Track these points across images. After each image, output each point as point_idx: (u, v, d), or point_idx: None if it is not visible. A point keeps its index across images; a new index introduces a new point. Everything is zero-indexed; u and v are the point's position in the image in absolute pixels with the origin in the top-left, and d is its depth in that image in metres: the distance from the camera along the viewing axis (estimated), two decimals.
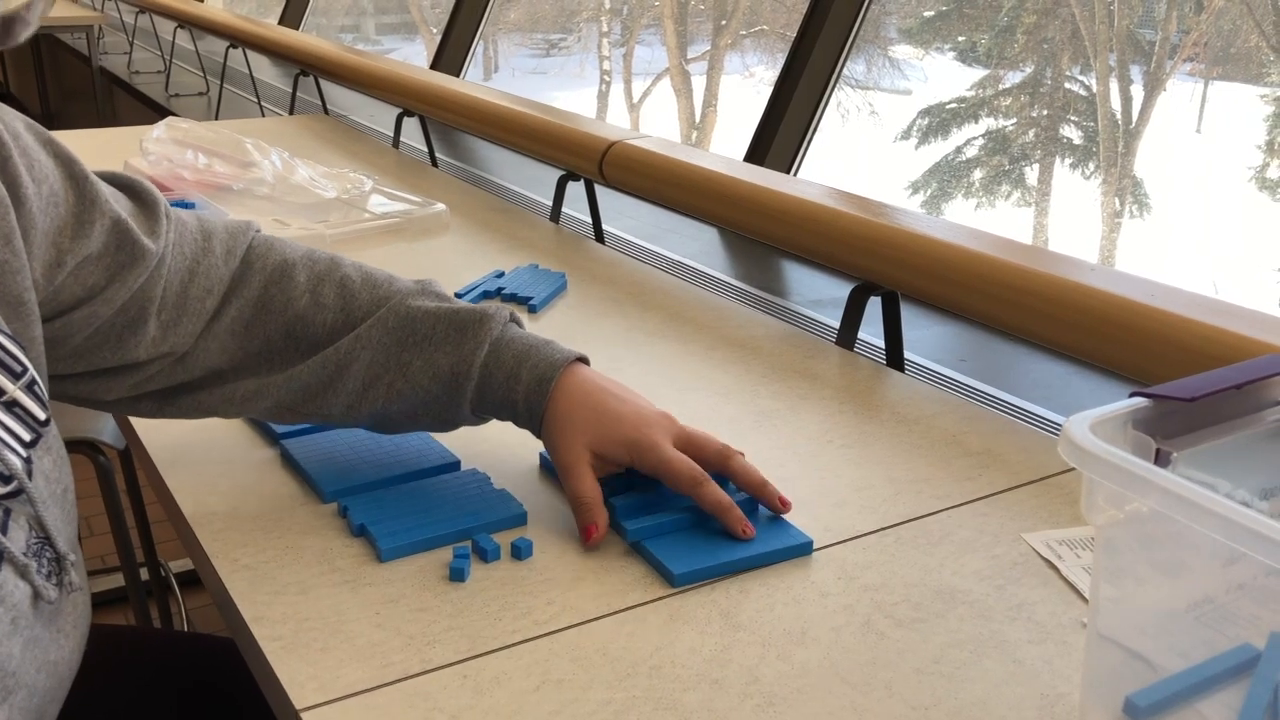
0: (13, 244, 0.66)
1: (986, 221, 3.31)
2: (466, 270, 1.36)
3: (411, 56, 5.79)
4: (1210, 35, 3.02)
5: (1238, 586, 0.50)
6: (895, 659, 0.67)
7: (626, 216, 2.02)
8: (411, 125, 2.22)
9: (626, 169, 1.58)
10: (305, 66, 2.69)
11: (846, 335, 1.20)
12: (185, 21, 3.95)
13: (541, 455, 0.89)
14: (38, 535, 0.62)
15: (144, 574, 1.80)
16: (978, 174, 3.60)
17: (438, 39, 3.26)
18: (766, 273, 1.81)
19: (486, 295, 1.26)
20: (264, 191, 1.63)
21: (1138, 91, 3.13)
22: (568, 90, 6.17)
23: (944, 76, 3.76)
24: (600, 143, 1.63)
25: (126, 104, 4.43)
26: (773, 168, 1.83)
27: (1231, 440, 0.57)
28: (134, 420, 0.92)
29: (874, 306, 1.21)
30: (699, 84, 5.29)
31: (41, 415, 0.64)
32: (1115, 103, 3.15)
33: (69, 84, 5.81)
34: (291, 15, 4.32)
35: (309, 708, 0.61)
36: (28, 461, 0.62)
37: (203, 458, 0.88)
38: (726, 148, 3.13)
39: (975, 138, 3.60)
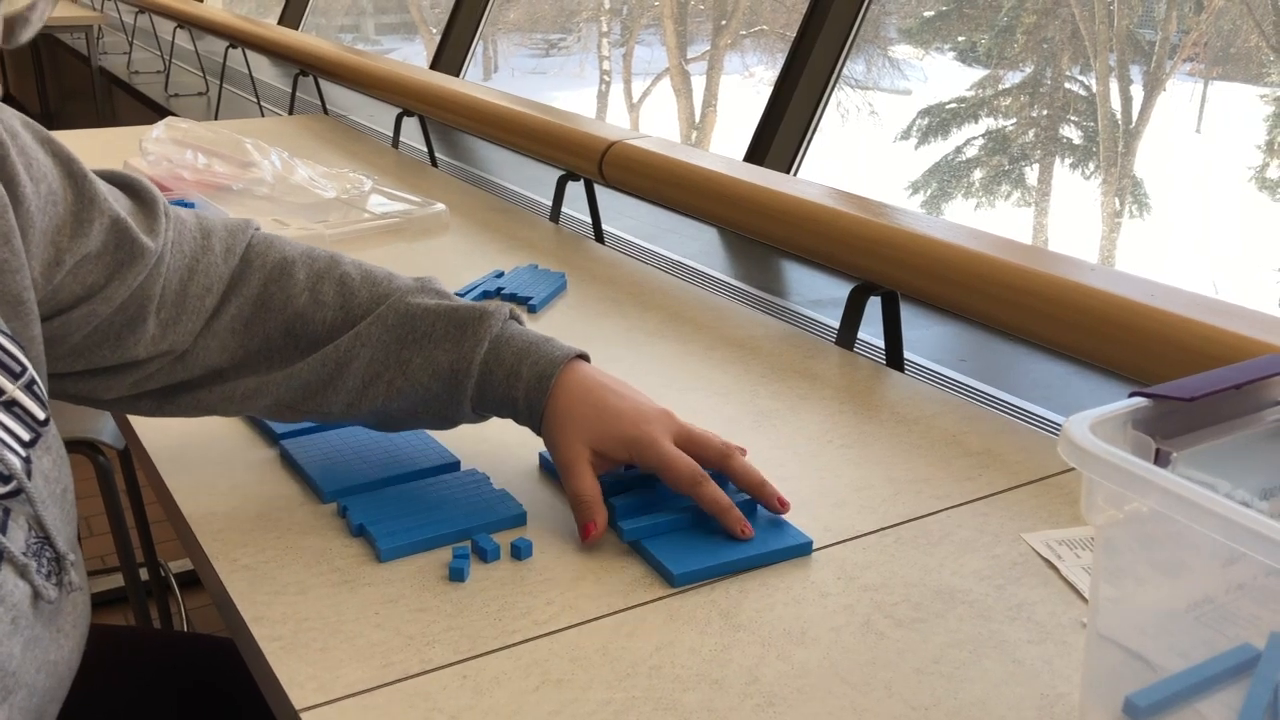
0: (11, 243, 0.65)
1: (986, 221, 3.31)
2: (466, 270, 1.36)
3: (411, 56, 5.79)
4: (1210, 35, 3.02)
5: (1238, 586, 0.50)
6: (895, 659, 0.67)
7: (626, 216, 2.02)
8: (411, 125, 2.22)
9: (626, 169, 1.58)
10: (305, 66, 2.69)
11: (846, 335, 1.20)
12: (185, 21, 3.95)
13: (541, 455, 0.89)
14: (37, 535, 0.62)
15: (144, 574, 1.80)
16: (977, 174, 3.60)
17: (437, 39, 3.26)
18: (766, 273, 1.81)
19: (486, 295, 1.26)
20: (263, 191, 1.63)
21: (1137, 91, 3.13)
22: (567, 90, 6.17)
23: (944, 76, 3.76)
24: (600, 143, 1.63)
25: (126, 104, 4.43)
26: (772, 168, 1.83)
27: (1231, 440, 0.57)
28: (133, 420, 0.92)
29: (874, 306, 1.21)
30: (699, 84, 5.29)
31: (41, 415, 0.64)
32: (1115, 103, 3.15)
33: (68, 84, 5.81)
34: (291, 15, 4.32)
35: (308, 708, 0.61)
36: (27, 461, 0.62)
37: (202, 458, 0.88)
38: (726, 148, 3.13)
39: (975, 138, 3.60)
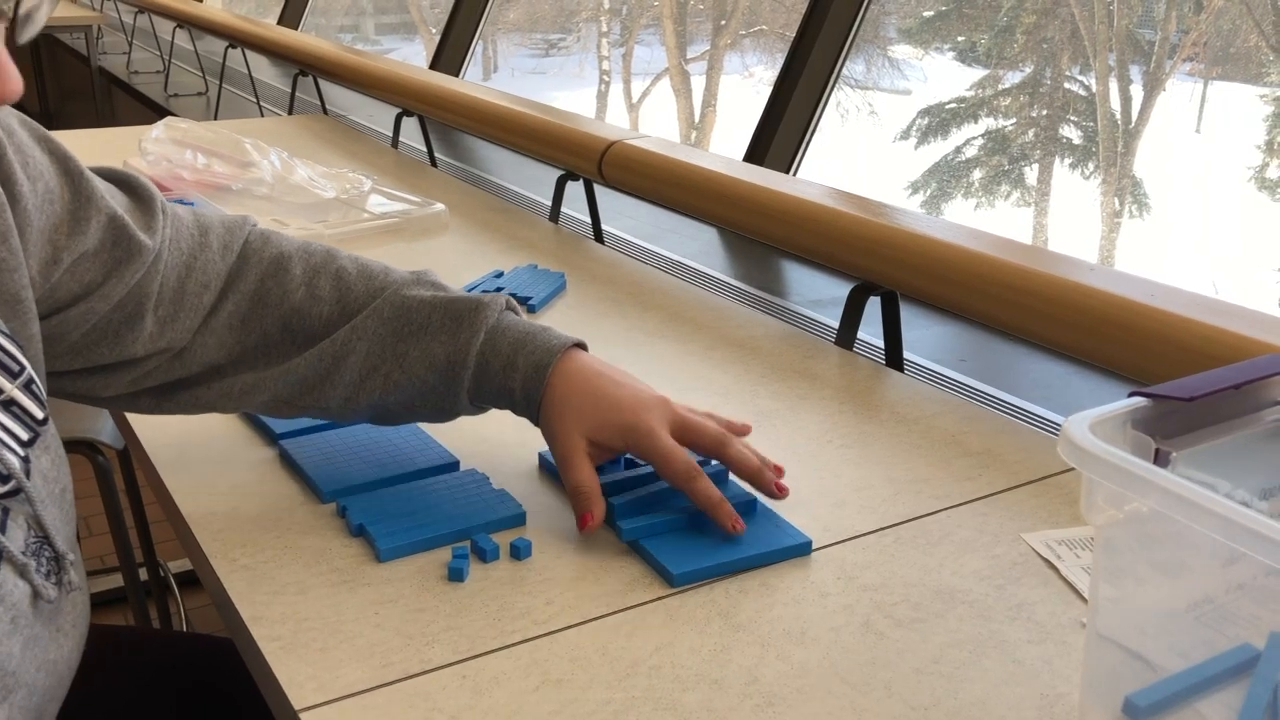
0: (9, 242, 0.65)
1: (986, 221, 3.31)
2: (466, 270, 1.36)
3: (411, 56, 5.79)
4: (1210, 35, 3.02)
5: (1237, 586, 0.50)
6: (895, 659, 0.67)
7: (626, 216, 2.02)
8: (410, 125, 2.22)
9: (626, 169, 1.58)
10: (304, 66, 2.69)
11: (846, 335, 1.20)
12: (184, 21, 3.94)
13: (541, 455, 0.89)
14: (36, 534, 0.62)
15: (143, 574, 1.80)
16: (977, 174, 3.60)
17: (437, 39, 3.26)
18: (766, 273, 1.80)
19: None
20: (263, 191, 1.63)
21: (1137, 91, 3.13)
22: (567, 90, 6.17)
23: (943, 76, 3.76)
24: (599, 143, 1.63)
25: (125, 104, 4.43)
26: (772, 168, 1.83)
27: (1231, 440, 0.57)
28: (132, 420, 0.92)
29: (873, 306, 1.21)
30: (698, 84, 5.29)
31: (39, 414, 0.64)
32: (1115, 102, 3.15)
33: (68, 84, 5.81)
34: (290, 15, 4.32)
35: (308, 708, 0.61)
36: (26, 461, 0.62)
37: (201, 458, 0.88)
38: (726, 148, 3.13)
39: (975, 138, 3.60)
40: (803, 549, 0.77)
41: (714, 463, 0.85)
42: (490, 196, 1.76)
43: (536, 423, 0.80)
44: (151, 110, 3.82)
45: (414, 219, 1.56)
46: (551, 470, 0.87)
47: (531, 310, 1.22)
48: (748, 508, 0.80)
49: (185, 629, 2.06)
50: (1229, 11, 2.89)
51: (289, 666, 0.64)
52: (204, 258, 0.79)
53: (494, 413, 0.96)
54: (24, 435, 0.63)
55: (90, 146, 2.01)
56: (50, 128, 0.77)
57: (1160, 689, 0.53)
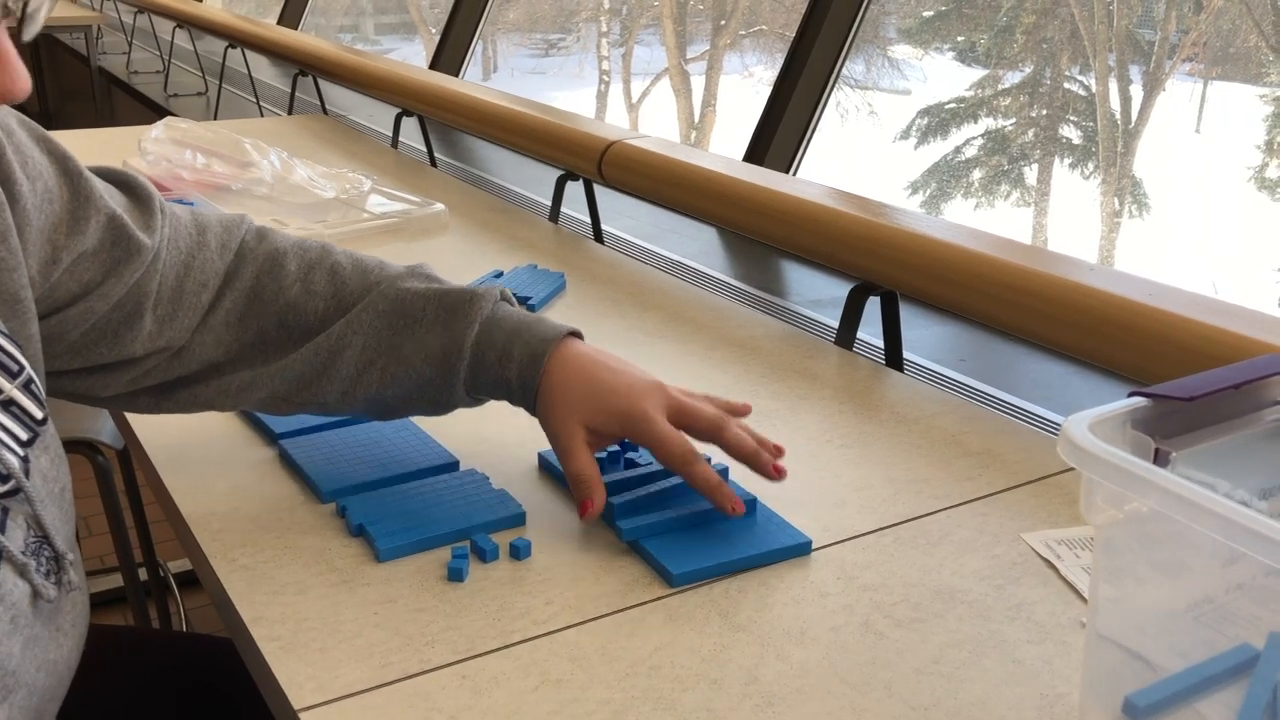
0: (8, 241, 0.65)
1: (986, 221, 3.31)
2: (465, 270, 1.36)
3: (410, 56, 5.80)
4: (1209, 35, 3.02)
5: (1237, 586, 0.50)
6: (894, 659, 0.67)
7: (625, 216, 2.02)
8: (410, 125, 2.22)
9: (625, 169, 1.58)
10: (304, 66, 2.69)
11: (846, 335, 1.20)
12: (184, 21, 3.94)
13: (540, 455, 0.89)
14: (36, 534, 0.62)
15: (143, 574, 1.80)
16: (977, 174, 3.60)
17: (436, 39, 3.26)
18: (766, 273, 1.80)
19: None
20: (263, 191, 1.63)
21: (1137, 91, 3.13)
22: (567, 90, 6.17)
23: (943, 76, 3.76)
24: (599, 142, 1.63)
25: (125, 104, 4.43)
26: (772, 168, 1.83)
27: (1230, 440, 0.57)
28: (132, 420, 0.92)
29: (873, 306, 1.21)
30: (698, 84, 5.29)
31: (39, 414, 0.64)
32: (1114, 102, 3.15)
33: (68, 84, 5.81)
34: (290, 15, 4.32)
35: (307, 708, 0.61)
36: (25, 460, 0.62)
37: (201, 458, 0.88)
38: (725, 148, 3.13)
39: (974, 138, 3.60)
40: (802, 549, 0.77)
41: (713, 462, 0.85)
42: (490, 196, 1.76)
43: (534, 412, 0.80)
44: (151, 110, 3.82)
45: (414, 219, 1.56)
46: (551, 470, 0.87)
47: (531, 310, 1.22)
48: (748, 507, 0.80)
49: (185, 629, 2.06)
50: (1229, 11, 2.89)
51: (288, 666, 0.64)
52: (202, 256, 0.79)
53: (494, 413, 0.96)
54: (23, 435, 0.63)
55: (90, 146, 2.01)
56: (50, 128, 0.77)
57: (1160, 689, 0.53)
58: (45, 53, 6.21)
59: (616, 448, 0.87)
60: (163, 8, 4.10)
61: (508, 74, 6.55)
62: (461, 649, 0.66)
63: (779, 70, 2.04)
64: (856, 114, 3.76)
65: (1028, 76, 3.49)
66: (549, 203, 1.71)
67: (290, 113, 2.79)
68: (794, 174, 2.00)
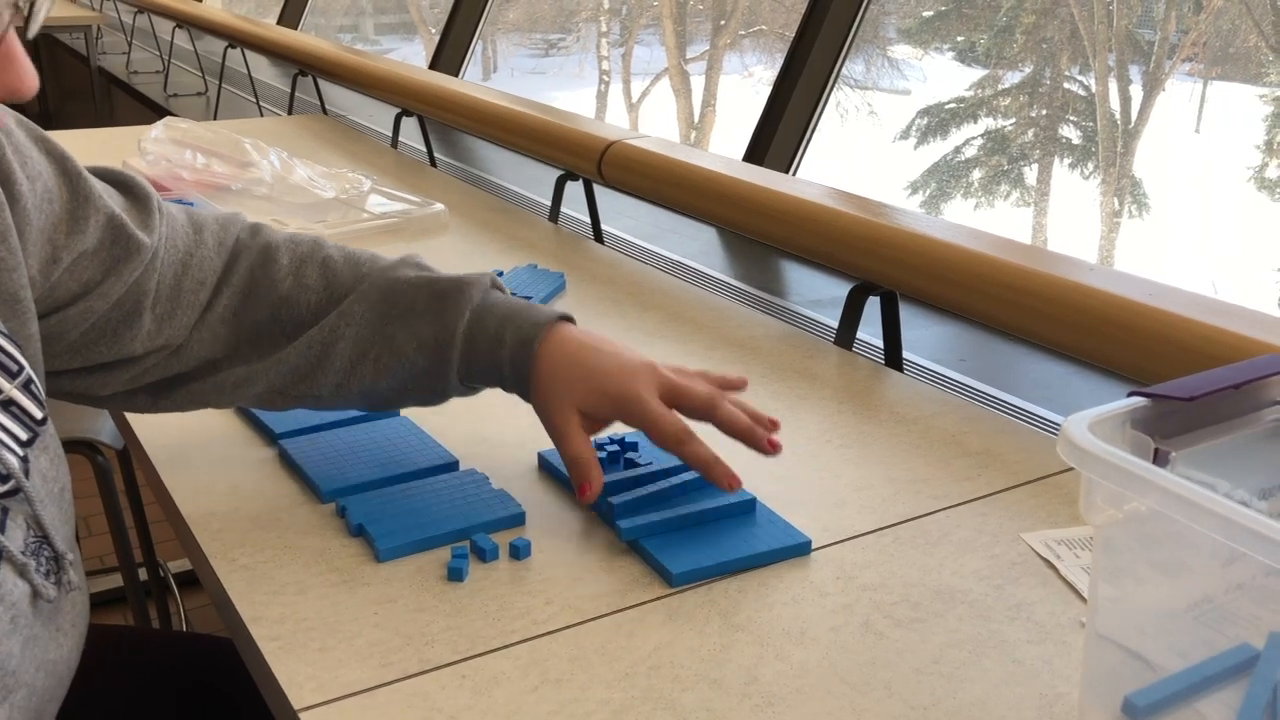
0: (8, 241, 0.66)
1: (985, 221, 3.31)
2: (465, 270, 1.36)
3: (410, 56, 5.80)
4: (1209, 35, 3.02)
5: (1237, 586, 0.50)
6: (894, 659, 0.67)
7: (625, 216, 2.02)
8: (410, 125, 2.22)
9: (625, 169, 1.58)
10: (304, 66, 2.69)
11: (845, 335, 1.20)
12: (184, 21, 3.94)
13: (540, 455, 0.89)
14: (36, 534, 0.62)
15: (142, 574, 1.80)
16: (977, 174, 3.60)
17: (436, 39, 3.26)
18: (765, 273, 1.80)
19: None
20: (262, 191, 1.63)
21: (1137, 91, 3.13)
22: (566, 90, 6.17)
23: (943, 76, 3.76)
24: (599, 142, 1.63)
25: (125, 104, 4.43)
26: (772, 168, 1.83)
27: (1230, 440, 0.57)
28: (132, 420, 0.92)
29: (873, 306, 1.21)
30: (698, 84, 5.29)
31: (38, 414, 0.64)
32: (1114, 102, 3.15)
33: (67, 84, 5.81)
34: (290, 15, 4.32)
35: (307, 708, 0.61)
36: (25, 460, 0.62)
37: (201, 458, 0.88)
38: (725, 148, 3.13)
39: (974, 138, 3.60)
40: (802, 549, 0.77)
41: None
42: (490, 196, 1.76)
43: (527, 398, 0.79)
44: (151, 110, 3.82)
45: (413, 219, 1.56)
46: (551, 470, 0.87)
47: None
48: (747, 507, 0.80)
49: (185, 629, 2.06)
50: (1228, 11, 2.89)
51: (288, 666, 0.64)
52: (200, 254, 0.79)
53: (494, 412, 0.96)
54: (23, 435, 0.63)
55: (89, 146, 2.01)
56: (50, 128, 0.77)
57: (1159, 689, 0.53)
58: (45, 53, 6.21)
59: (616, 448, 0.87)
60: (163, 8, 4.10)
61: (507, 74, 6.55)
62: (461, 649, 0.66)
63: (779, 70, 2.04)
64: (856, 114, 3.76)
65: (1027, 76, 3.49)
66: (549, 203, 1.71)
67: (290, 113, 2.79)
68: (794, 174, 2.00)
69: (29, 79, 0.57)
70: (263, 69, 3.65)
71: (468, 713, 0.61)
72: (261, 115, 3.21)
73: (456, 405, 0.97)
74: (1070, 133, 3.35)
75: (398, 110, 2.23)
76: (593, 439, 0.83)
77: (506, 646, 0.67)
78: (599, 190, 1.73)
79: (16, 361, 0.64)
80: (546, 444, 0.89)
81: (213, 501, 0.82)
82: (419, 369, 0.79)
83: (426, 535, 0.76)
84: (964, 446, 0.94)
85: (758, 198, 1.37)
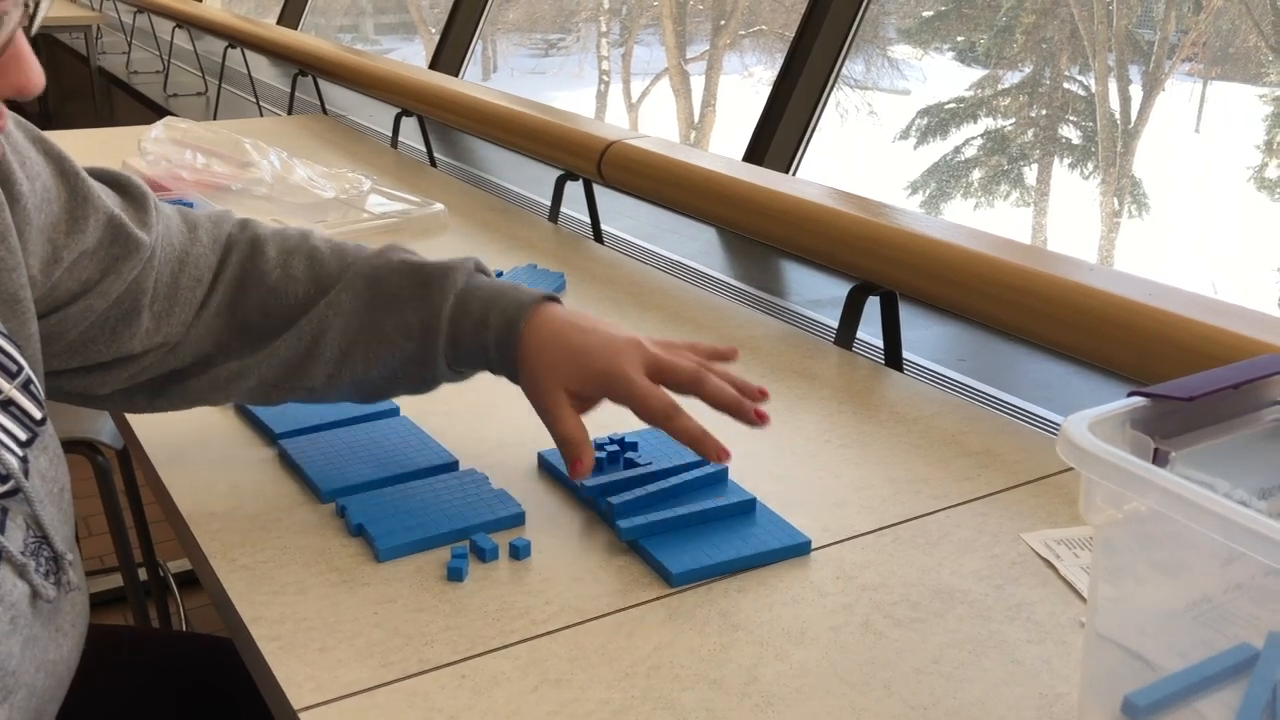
0: (8, 241, 0.66)
1: (985, 221, 3.31)
2: None
3: (410, 56, 5.80)
4: (1209, 35, 3.02)
5: (1236, 586, 0.50)
6: (894, 659, 0.67)
7: (625, 216, 2.02)
8: (410, 125, 2.22)
9: (625, 169, 1.58)
10: (304, 66, 2.69)
11: (845, 335, 1.20)
12: (183, 21, 3.94)
13: (540, 455, 0.89)
14: (35, 534, 0.62)
15: (142, 574, 1.80)
16: (976, 174, 3.60)
17: (436, 39, 3.26)
18: (765, 273, 1.80)
19: None
20: (262, 191, 1.63)
21: (1136, 91, 3.13)
22: (566, 90, 6.17)
23: (943, 76, 3.76)
24: (599, 142, 1.63)
25: (125, 104, 4.43)
26: (771, 168, 1.83)
27: (1230, 440, 0.57)
28: (132, 420, 0.92)
29: (872, 306, 1.21)
30: (698, 84, 5.29)
31: (38, 414, 0.64)
32: (1114, 102, 3.15)
33: (67, 84, 5.81)
34: (290, 15, 4.32)
35: (307, 708, 0.61)
36: (24, 461, 0.62)
37: (201, 457, 0.88)
38: (725, 148, 3.13)
39: (974, 138, 3.60)
40: (802, 549, 0.77)
41: (709, 465, 0.85)
42: (490, 196, 1.76)
43: (515, 380, 0.79)
44: (151, 110, 3.82)
45: (413, 219, 1.56)
46: (551, 470, 0.87)
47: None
48: (747, 507, 0.80)
49: (184, 629, 2.06)
50: (1228, 11, 2.89)
51: (288, 666, 0.64)
52: (195, 252, 0.79)
53: (494, 412, 0.96)
54: (22, 435, 0.63)
55: (89, 146, 2.01)
56: (49, 128, 0.77)
57: (1159, 688, 0.53)
58: (45, 53, 6.21)
59: (616, 448, 0.87)
60: (162, 8, 4.10)
61: (507, 74, 6.55)
62: (461, 649, 0.66)
63: (779, 70, 2.04)
64: (856, 114, 3.76)
65: (1027, 76, 3.49)
66: (549, 203, 1.71)
67: (290, 113, 2.79)
68: (794, 174, 2.00)
69: (36, 77, 0.58)
70: (263, 69, 3.66)
71: (468, 713, 0.61)
72: (261, 115, 3.21)
73: (456, 405, 0.97)
74: (1070, 133, 3.35)
75: (398, 110, 2.23)
76: (593, 439, 0.83)
77: (506, 646, 0.67)
78: (599, 190, 1.73)
79: (16, 362, 0.64)
80: (546, 444, 0.89)
81: (213, 501, 0.82)
82: (407, 355, 0.79)
83: (426, 535, 0.76)
84: (964, 446, 0.94)
85: (757, 198, 1.37)
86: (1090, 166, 3.21)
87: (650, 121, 5.54)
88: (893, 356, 1.21)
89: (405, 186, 1.74)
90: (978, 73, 3.70)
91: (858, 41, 2.02)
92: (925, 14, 3.90)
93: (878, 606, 0.72)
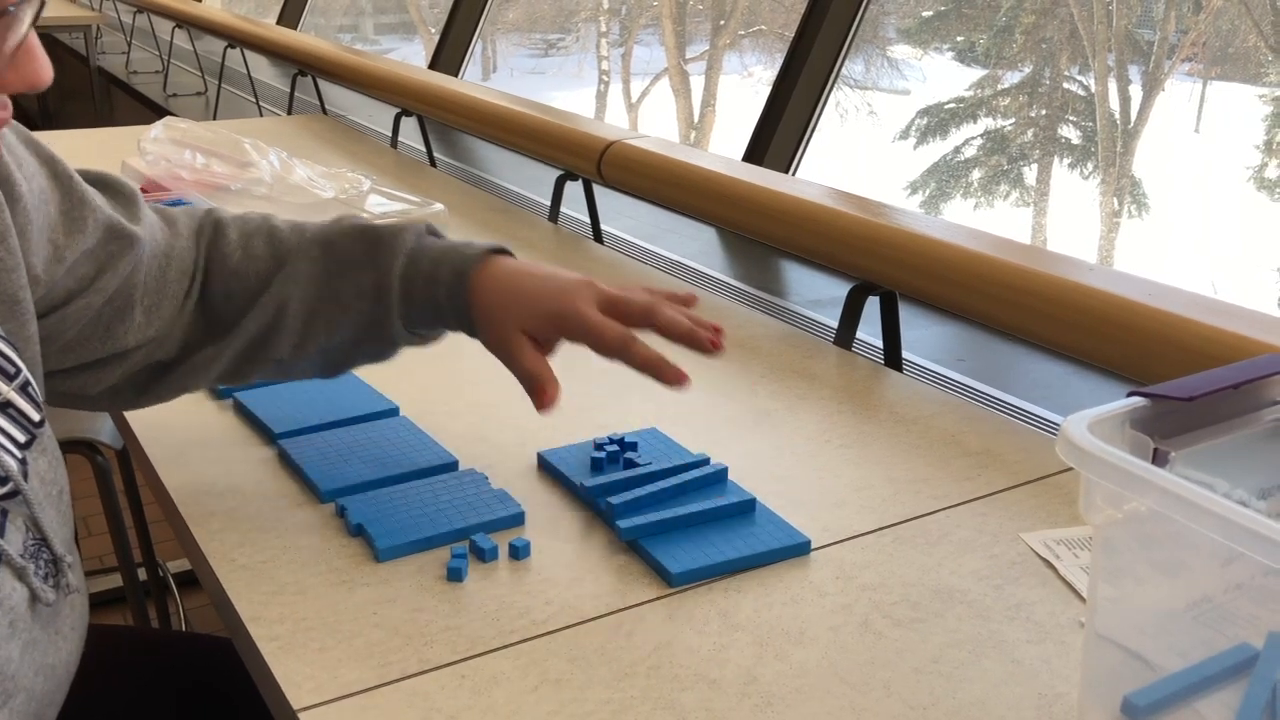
0: (7, 242, 0.66)
1: (985, 221, 3.31)
2: None
3: (410, 56, 5.80)
4: (1209, 35, 3.02)
5: (1236, 586, 0.50)
6: (894, 659, 0.67)
7: (625, 216, 2.02)
8: (410, 125, 2.22)
9: (625, 169, 1.58)
10: (303, 66, 2.69)
11: (845, 335, 1.20)
12: (183, 21, 3.94)
13: (540, 455, 0.89)
14: (34, 537, 0.62)
15: (142, 574, 1.80)
16: (976, 174, 3.60)
17: (436, 39, 3.26)
18: (765, 272, 1.80)
19: None
20: (262, 191, 1.63)
21: (1136, 91, 3.13)
22: (566, 90, 6.17)
23: (942, 76, 3.76)
24: (599, 142, 1.63)
25: (124, 104, 4.42)
26: (771, 168, 1.83)
27: (1229, 440, 0.57)
28: (132, 420, 0.92)
29: (872, 306, 1.21)
30: (697, 84, 5.29)
31: (36, 416, 0.64)
32: (1114, 102, 3.15)
33: (67, 84, 5.80)
34: (289, 15, 4.31)
35: (306, 708, 0.61)
36: (23, 463, 0.62)
37: (200, 457, 0.88)
38: (725, 148, 3.13)
39: (974, 138, 3.60)
40: (801, 549, 0.77)
41: (709, 465, 0.86)
42: (489, 196, 1.76)
43: (473, 334, 0.79)
44: (150, 110, 3.82)
45: (413, 219, 1.55)
46: (551, 470, 0.87)
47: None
48: (747, 507, 0.80)
49: (184, 629, 2.06)
50: (1228, 12, 2.89)
51: (287, 666, 0.64)
52: (179, 245, 0.80)
53: (494, 412, 0.96)
54: (21, 438, 0.63)
55: (89, 146, 2.01)
56: (49, 128, 0.78)
57: (1159, 688, 0.53)
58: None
59: (616, 448, 0.87)
60: (162, 8, 4.10)
61: (507, 74, 6.55)
62: (461, 649, 0.66)
63: (778, 70, 2.04)
64: (856, 114, 3.76)
65: (1027, 76, 3.49)
66: (548, 203, 1.71)
67: (290, 113, 2.79)
68: (793, 174, 2.00)
69: (47, 71, 0.58)
70: (262, 69, 3.65)
71: (467, 713, 0.61)
72: (261, 115, 3.21)
73: (457, 405, 0.97)
74: (1070, 133, 3.35)
75: (397, 110, 2.23)
76: (593, 439, 0.83)
77: (506, 646, 0.67)
78: (598, 190, 1.73)
79: (14, 364, 0.64)
80: (546, 444, 0.89)
81: (212, 501, 0.82)
82: (365, 319, 0.79)
83: (426, 535, 0.76)
84: (964, 446, 0.94)
85: (757, 198, 1.37)
86: (1090, 166, 3.21)
87: (650, 121, 5.54)
88: (892, 356, 1.21)
89: (405, 186, 1.74)
90: (977, 73, 3.70)
91: (857, 41, 2.02)
92: (925, 14, 3.90)
93: (877, 606, 0.72)
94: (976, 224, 1.27)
